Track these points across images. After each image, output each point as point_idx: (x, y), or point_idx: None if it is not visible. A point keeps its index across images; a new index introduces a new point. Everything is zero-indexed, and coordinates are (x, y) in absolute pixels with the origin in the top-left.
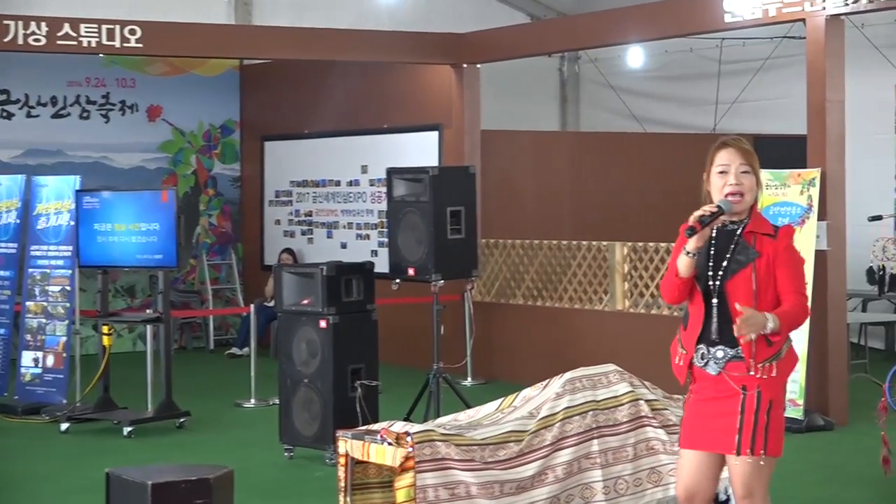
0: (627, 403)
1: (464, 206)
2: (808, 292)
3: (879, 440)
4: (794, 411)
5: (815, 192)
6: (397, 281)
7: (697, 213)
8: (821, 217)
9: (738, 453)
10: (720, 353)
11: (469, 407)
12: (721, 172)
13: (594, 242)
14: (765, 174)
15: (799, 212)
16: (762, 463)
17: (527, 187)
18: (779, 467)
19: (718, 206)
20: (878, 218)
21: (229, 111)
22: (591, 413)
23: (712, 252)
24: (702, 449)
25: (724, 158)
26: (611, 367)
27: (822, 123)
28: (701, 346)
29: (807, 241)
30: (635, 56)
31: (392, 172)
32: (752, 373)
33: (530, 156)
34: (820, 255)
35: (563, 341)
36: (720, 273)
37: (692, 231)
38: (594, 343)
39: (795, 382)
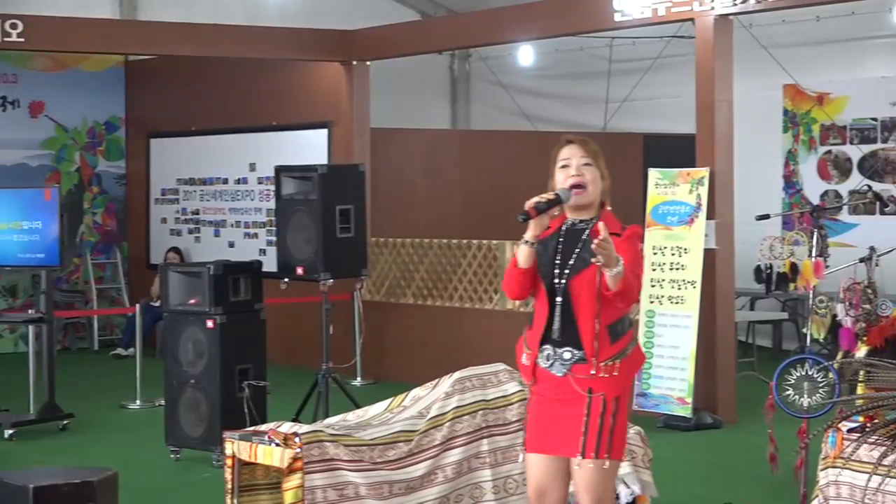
0: (517, 403)
1: (353, 204)
2: (695, 294)
3: (766, 438)
4: (683, 409)
5: (703, 191)
6: (286, 280)
7: (533, 200)
8: (709, 216)
9: (584, 456)
10: (567, 355)
11: (358, 407)
12: (563, 167)
13: (484, 241)
14: (654, 173)
15: (688, 211)
16: (606, 467)
17: (417, 186)
18: (666, 465)
19: (556, 195)
20: (766, 217)
21: (114, 108)
22: (480, 412)
23: (560, 250)
24: (547, 452)
25: (566, 153)
26: (500, 366)
27: (711, 123)
28: (546, 346)
29: (696, 241)
30: (526, 54)
31: (281, 170)
32: (593, 372)
33: (421, 154)
34: (708, 254)
35: (453, 341)
36: (566, 271)
37: (525, 216)
38: (484, 342)
39: (684, 380)
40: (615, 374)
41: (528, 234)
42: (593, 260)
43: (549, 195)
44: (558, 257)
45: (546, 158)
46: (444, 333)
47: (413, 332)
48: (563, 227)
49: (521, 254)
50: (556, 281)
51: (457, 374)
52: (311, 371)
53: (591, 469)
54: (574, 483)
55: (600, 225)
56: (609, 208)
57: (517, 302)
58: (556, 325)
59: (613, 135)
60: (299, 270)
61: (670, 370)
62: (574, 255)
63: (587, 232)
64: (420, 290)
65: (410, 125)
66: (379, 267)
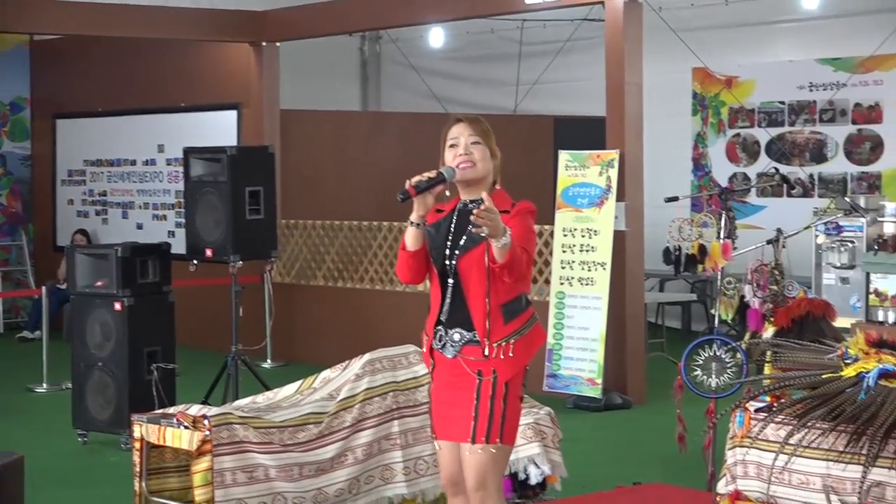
0: (427, 384)
1: (263, 186)
2: (605, 275)
3: (675, 418)
4: (593, 390)
5: (613, 173)
6: (195, 262)
7: (414, 179)
8: (619, 198)
9: (473, 441)
10: (457, 336)
11: (268, 389)
12: (452, 146)
13: (394, 223)
14: (564, 155)
15: (598, 193)
16: (494, 451)
17: (327, 168)
18: (576, 445)
19: (439, 173)
20: (675, 199)
21: (19, 88)
22: (391, 394)
23: (452, 231)
24: (445, 439)
25: (455, 132)
26: (411, 347)
27: (621, 105)
28: (439, 328)
29: (605, 222)
30: (436, 36)
31: (189, 152)
32: (486, 353)
33: (330, 136)
34: (618, 236)
35: (364, 322)
36: (456, 252)
37: (405, 195)
38: (395, 324)
39: (594, 361)
40: (510, 354)
41: (413, 215)
42: (474, 230)
43: (431, 173)
44: (450, 239)
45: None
46: (354, 315)
47: (323, 315)
48: (457, 209)
49: (408, 235)
50: (447, 262)
51: (367, 356)
52: (221, 354)
53: (480, 454)
54: (463, 463)
55: (484, 195)
56: (499, 187)
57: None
58: (447, 306)
59: (524, 117)
60: (208, 252)
61: (580, 351)
62: (464, 236)
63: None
64: (330, 272)
65: (320, 107)
66: (289, 249)
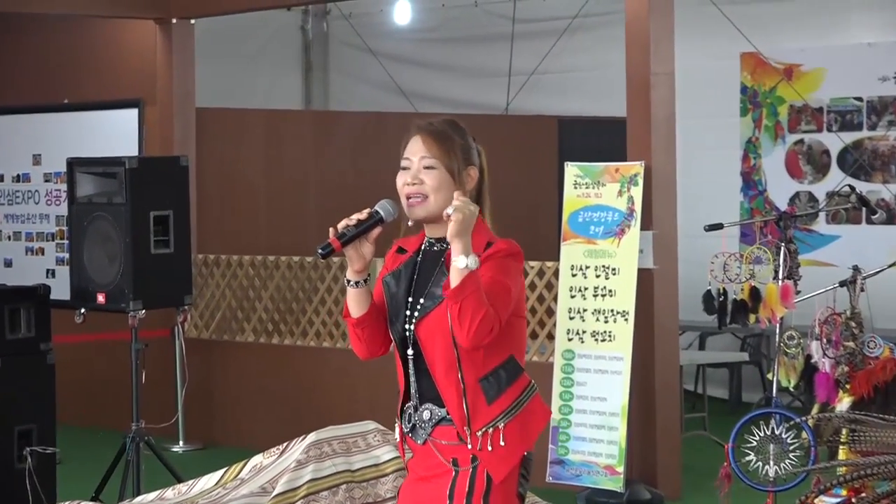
0: (392, 474)
1: (173, 209)
2: (627, 329)
3: None
4: (612, 481)
5: (637, 192)
6: (82, 311)
7: (341, 224)
8: (645, 226)
9: None
10: (426, 415)
11: (181, 481)
12: (403, 168)
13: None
14: (572, 169)
15: (617, 219)
16: None
17: (259, 185)
18: None
19: (372, 213)
20: (718, 227)
21: None
22: (343, 487)
23: (415, 281)
24: None
25: (408, 150)
26: (371, 424)
27: (647, 103)
28: (408, 406)
29: (627, 258)
30: (403, 11)
31: (75, 164)
32: (469, 445)
33: (262, 143)
34: (644, 276)
35: (308, 391)
36: (415, 313)
37: (326, 250)
38: (349, 393)
39: (613, 444)
40: (500, 444)
41: (349, 272)
42: (445, 215)
43: (362, 214)
44: (411, 294)
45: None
46: (295, 382)
47: (254, 380)
48: (421, 250)
49: (349, 298)
50: (405, 327)
51: (312, 437)
52: (118, 433)
53: None
54: None
55: (456, 195)
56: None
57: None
58: (412, 382)
59: (518, 118)
60: (100, 298)
61: (595, 430)
62: (425, 291)
63: (443, 258)
64: (263, 325)
65: (249, 104)
66: (208, 293)
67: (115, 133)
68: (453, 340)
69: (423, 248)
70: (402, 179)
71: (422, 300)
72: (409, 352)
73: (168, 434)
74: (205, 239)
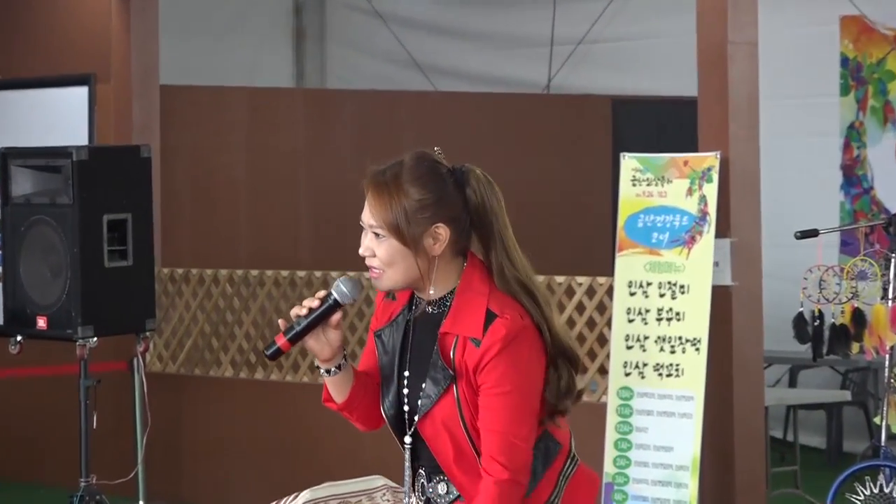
0: None
1: (132, 212)
2: (699, 361)
3: None
4: None
5: (711, 190)
6: (19, 339)
7: (293, 312)
8: (721, 232)
9: None
10: (442, 488)
11: None
12: (363, 230)
13: (351, 273)
14: (630, 162)
15: (686, 223)
16: None
17: (239, 182)
18: None
19: (326, 298)
20: (813, 234)
21: None
22: None
23: (409, 354)
24: None
25: (365, 206)
26: (379, 480)
27: (723, 80)
28: (419, 474)
29: (699, 273)
30: None
31: (9, 156)
32: None
33: (243, 129)
34: (721, 295)
35: (301, 438)
36: (415, 402)
37: (271, 350)
38: (351, 441)
39: (682, 503)
40: None
41: (318, 361)
42: None
43: (313, 301)
44: (406, 366)
45: (453, 137)
46: (285, 427)
47: (233, 425)
48: (413, 303)
49: (329, 385)
50: (404, 410)
51: (306, 495)
52: (64, 490)
53: None
54: None
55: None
56: (431, 293)
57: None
58: (416, 461)
59: (562, 98)
60: (41, 322)
61: (659, 487)
62: (423, 383)
63: (437, 333)
64: (245, 356)
65: (227, 81)
66: (176, 316)
67: (60, 116)
68: (467, 436)
69: (414, 302)
70: (361, 246)
71: (423, 387)
72: (408, 440)
73: (126, 492)
74: (172, 249)
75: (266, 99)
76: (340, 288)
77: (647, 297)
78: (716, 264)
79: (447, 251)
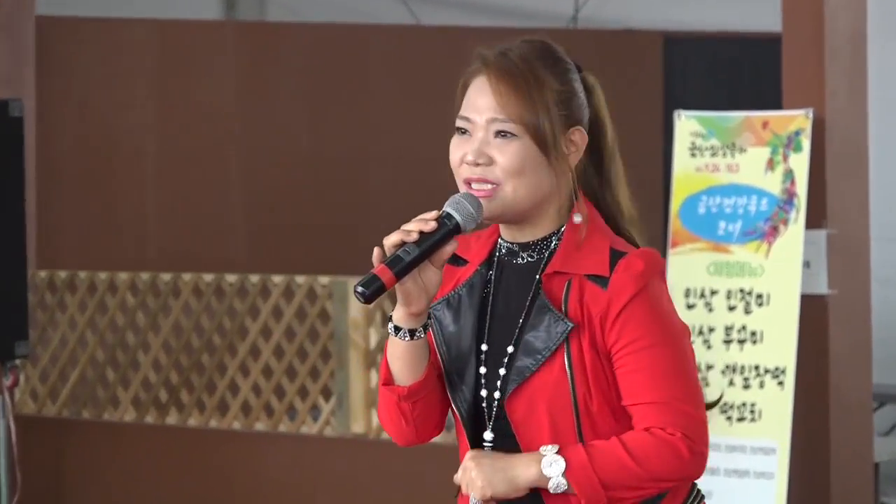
0: None
1: None
2: (784, 398)
3: None
4: None
5: (800, 163)
6: None
7: (392, 238)
8: (814, 221)
9: None
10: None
11: None
12: (460, 131)
13: (299, 278)
14: (688, 122)
15: (766, 209)
16: None
17: (145, 148)
18: None
19: (444, 218)
20: None
21: None
22: None
23: (489, 320)
24: None
25: (468, 103)
26: None
27: (817, 13)
28: None
29: (783, 276)
30: None
31: None
32: None
33: (152, 76)
34: (813, 308)
35: (228, 502)
36: (500, 375)
37: (372, 287)
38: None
39: None
40: None
41: (400, 314)
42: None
43: (426, 224)
44: (486, 338)
45: (444, 80)
46: (206, 487)
47: (134, 485)
48: (495, 259)
49: (393, 354)
50: (485, 394)
51: None
52: None
53: None
54: None
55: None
56: (578, 219)
57: (372, 418)
58: None
59: (594, 34)
60: None
61: None
62: (515, 336)
63: (539, 273)
64: (153, 393)
65: (130, 11)
66: (57, 338)
67: None
68: (575, 417)
69: (497, 255)
70: (457, 152)
71: (510, 352)
72: (489, 436)
73: None
74: (52, 244)
75: (183, 36)
76: (464, 205)
77: (710, 310)
78: (806, 265)
79: (577, 170)
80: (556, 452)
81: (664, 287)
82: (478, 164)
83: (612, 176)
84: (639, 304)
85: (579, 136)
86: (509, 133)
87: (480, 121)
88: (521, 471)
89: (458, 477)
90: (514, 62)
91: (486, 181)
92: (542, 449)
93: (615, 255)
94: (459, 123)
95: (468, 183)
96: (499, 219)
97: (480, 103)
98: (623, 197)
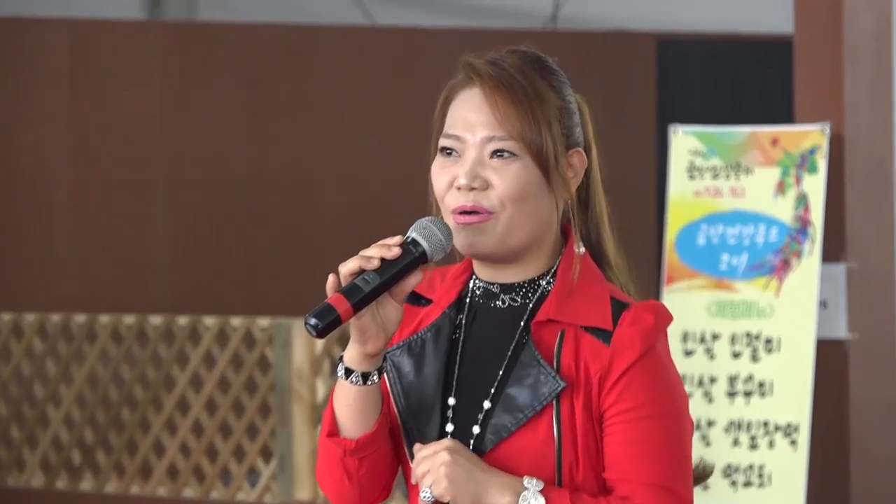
0: None
1: None
2: (798, 461)
3: None
4: None
5: (815, 185)
6: None
7: (347, 266)
8: (832, 254)
9: None
10: None
11: None
12: (444, 153)
13: (235, 320)
14: (684, 138)
15: (775, 239)
16: None
17: (55, 167)
18: None
19: (409, 244)
20: None
21: None
22: None
23: (458, 369)
24: None
25: (458, 119)
26: None
27: (836, 13)
28: None
29: (796, 318)
30: None
31: None
32: None
33: (64, 82)
34: (831, 353)
35: None
36: (472, 431)
37: (327, 320)
38: None
39: None
40: None
41: (349, 353)
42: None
43: (387, 250)
44: (453, 390)
45: (403, 88)
46: None
47: None
48: (465, 303)
49: (343, 400)
50: None
51: None
52: None
53: None
54: None
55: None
56: (581, 250)
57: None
58: None
59: (578, 36)
60: None
61: None
62: (494, 390)
63: (524, 320)
64: (64, 454)
65: (39, 9)
66: None
67: None
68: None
69: (470, 297)
70: (445, 176)
71: (486, 408)
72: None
73: None
74: None
75: (100, 37)
76: (433, 231)
77: (712, 357)
78: (823, 305)
79: (575, 197)
80: (540, 490)
81: (668, 345)
82: (472, 189)
83: (597, 213)
84: (645, 366)
85: (578, 160)
86: (508, 152)
87: (473, 139)
88: (495, 494)
89: (421, 455)
90: (510, 73)
91: (480, 207)
92: (526, 480)
93: (618, 307)
94: (445, 143)
95: (459, 213)
96: (488, 257)
97: (473, 119)
98: (607, 240)
